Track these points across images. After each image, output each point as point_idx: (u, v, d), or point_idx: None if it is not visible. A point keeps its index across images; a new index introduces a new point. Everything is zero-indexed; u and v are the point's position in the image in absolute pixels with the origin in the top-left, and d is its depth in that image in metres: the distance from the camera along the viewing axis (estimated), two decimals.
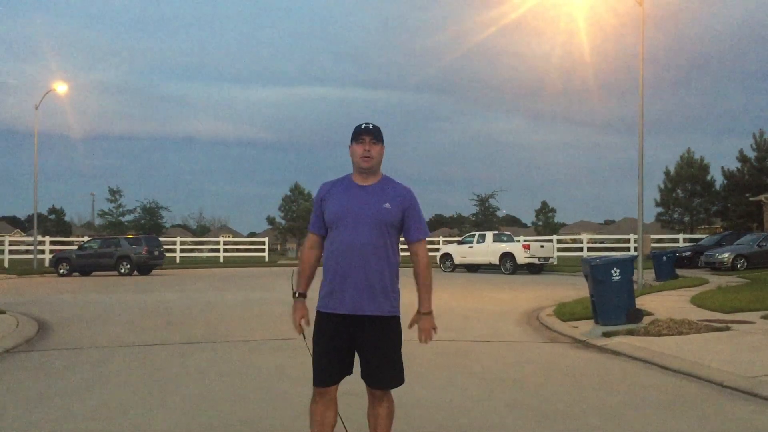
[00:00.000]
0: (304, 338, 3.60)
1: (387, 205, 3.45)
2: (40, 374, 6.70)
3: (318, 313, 3.51)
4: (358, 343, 3.43)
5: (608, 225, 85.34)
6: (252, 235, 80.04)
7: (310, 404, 3.50)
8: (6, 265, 32.55)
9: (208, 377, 6.47)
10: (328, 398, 3.44)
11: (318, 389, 3.43)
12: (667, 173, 46.01)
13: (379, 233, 3.42)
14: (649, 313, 10.25)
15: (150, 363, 7.27)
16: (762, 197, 33.60)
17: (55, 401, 5.51)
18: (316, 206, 3.63)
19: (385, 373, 3.44)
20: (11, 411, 5.17)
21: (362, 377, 3.45)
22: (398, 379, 3.49)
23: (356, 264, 3.38)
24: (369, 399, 3.51)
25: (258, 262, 37.57)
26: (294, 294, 3.58)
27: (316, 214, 3.61)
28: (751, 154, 40.26)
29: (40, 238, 35.05)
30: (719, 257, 24.10)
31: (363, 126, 3.49)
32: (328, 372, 3.41)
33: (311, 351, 3.48)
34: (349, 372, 3.47)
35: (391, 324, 3.50)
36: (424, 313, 3.65)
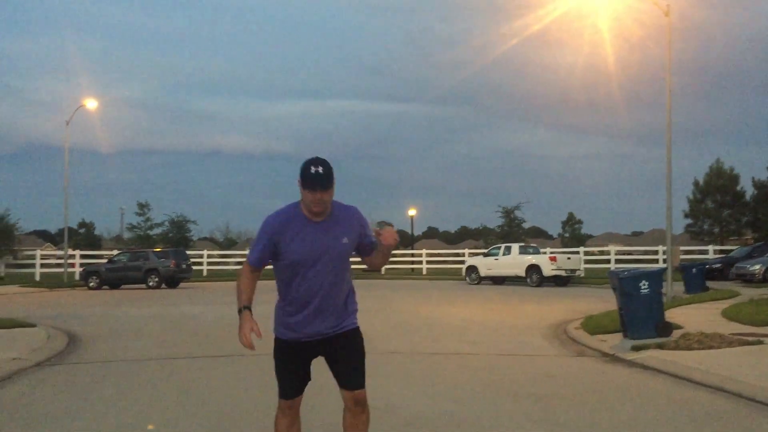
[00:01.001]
0: (253, 349, 3.57)
1: (345, 240, 3.45)
2: (69, 388, 6.78)
3: (279, 339, 3.65)
4: (329, 357, 3.58)
5: (636, 236, 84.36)
6: None
7: (275, 418, 3.65)
8: (37, 278, 33.11)
9: (235, 390, 6.50)
10: (294, 410, 3.63)
11: (285, 402, 3.61)
12: (696, 184, 45.45)
13: (342, 267, 3.49)
14: (679, 327, 10.09)
15: (177, 377, 7.33)
16: None
17: (83, 416, 5.57)
18: (264, 241, 3.48)
19: (361, 374, 3.55)
20: (41, 426, 5.24)
21: (343, 385, 3.54)
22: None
23: (324, 300, 3.47)
24: (350, 411, 3.55)
25: None
26: (239, 310, 3.57)
27: (264, 249, 3.49)
28: None
29: (70, 251, 35.62)
30: (750, 269, 23.66)
31: (313, 171, 3.28)
32: (294, 386, 3.62)
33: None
34: (310, 379, 3.69)
35: (357, 331, 3.62)
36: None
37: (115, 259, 28.87)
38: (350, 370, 3.51)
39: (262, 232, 3.48)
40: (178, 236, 54.54)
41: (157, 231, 54.10)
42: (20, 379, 7.22)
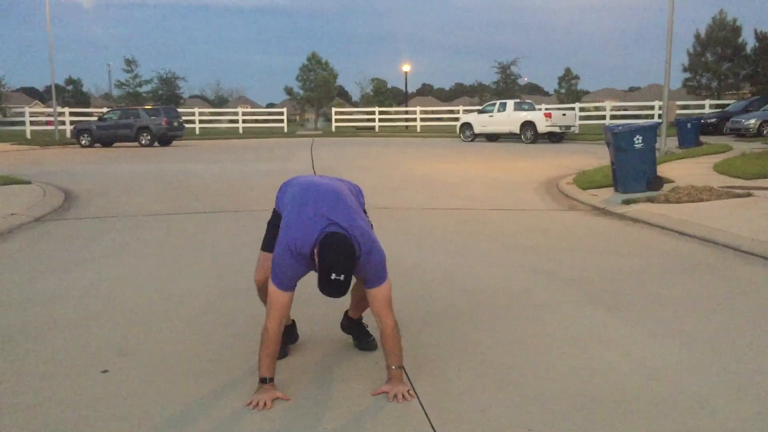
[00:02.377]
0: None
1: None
2: (70, 242, 6.90)
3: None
4: None
5: (633, 92, 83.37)
6: (270, 105, 79.45)
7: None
8: (28, 136, 32.84)
9: (234, 244, 6.65)
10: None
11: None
12: (697, 36, 44.38)
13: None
14: (671, 181, 10.21)
15: (177, 230, 7.46)
16: None
17: (87, 266, 5.71)
18: (289, 260, 3.08)
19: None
20: (45, 275, 5.38)
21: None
22: None
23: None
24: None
25: (277, 133, 37.52)
26: (263, 380, 3.07)
27: (290, 271, 3.10)
28: None
29: (59, 109, 35.08)
30: (745, 123, 23.59)
31: (333, 278, 2.85)
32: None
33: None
34: None
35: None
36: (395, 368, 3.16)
37: (106, 116, 28.48)
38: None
39: (290, 250, 3.06)
40: (168, 93, 53.74)
41: (146, 88, 53.24)
42: (20, 233, 7.32)
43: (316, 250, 2.96)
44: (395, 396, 3.04)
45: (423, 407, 2.95)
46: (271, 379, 3.07)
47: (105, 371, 3.39)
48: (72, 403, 3.01)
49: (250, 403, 2.98)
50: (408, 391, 3.07)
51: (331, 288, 2.88)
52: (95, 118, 30.06)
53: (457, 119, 31.24)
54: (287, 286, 3.11)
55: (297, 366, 3.47)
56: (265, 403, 2.96)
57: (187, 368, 3.42)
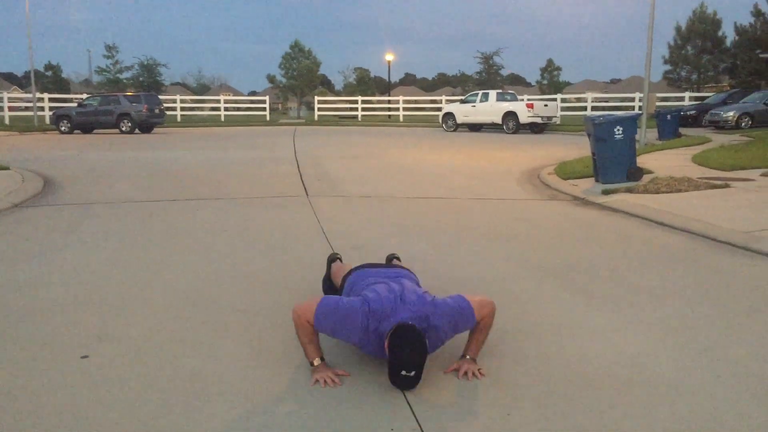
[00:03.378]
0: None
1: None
2: (52, 228, 6.84)
3: None
4: None
5: (614, 84, 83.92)
6: (252, 93, 78.94)
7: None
8: (6, 121, 32.41)
9: (214, 231, 6.63)
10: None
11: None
12: (678, 29, 44.71)
13: None
14: (650, 172, 10.32)
15: (158, 217, 7.42)
16: None
17: (67, 253, 5.68)
18: (333, 326, 3.09)
19: None
20: (24, 261, 5.34)
21: None
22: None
23: None
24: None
25: (259, 121, 37.33)
26: (311, 363, 3.13)
27: (330, 328, 3.10)
28: (766, 8, 38.80)
29: (38, 95, 34.64)
30: (724, 116, 23.85)
31: (403, 375, 2.85)
32: None
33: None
34: None
35: None
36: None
37: (86, 102, 28.18)
38: None
39: (354, 319, 3.05)
40: (149, 80, 53.22)
41: (127, 75, 52.70)
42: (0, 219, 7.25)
43: (386, 342, 2.92)
44: (465, 373, 3.10)
45: (404, 393, 2.98)
46: (322, 359, 3.12)
47: (85, 357, 3.38)
48: (51, 389, 3.01)
49: (316, 382, 3.02)
50: (479, 369, 3.13)
51: (402, 384, 2.91)
52: (75, 105, 29.73)
53: (439, 109, 31.29)
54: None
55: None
56: (332, 380, 3.01)
57: (168, 354, 3.43)
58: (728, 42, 43.22)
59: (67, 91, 55.20)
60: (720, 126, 23.63)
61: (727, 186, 8.88)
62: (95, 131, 26.98)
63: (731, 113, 23.75)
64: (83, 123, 26.76)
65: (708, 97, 31.72)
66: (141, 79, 53.60)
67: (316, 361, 3.12)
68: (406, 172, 12.08)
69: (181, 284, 4.72)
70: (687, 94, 35.19)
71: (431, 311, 3.08)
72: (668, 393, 2.97)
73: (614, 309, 4.17)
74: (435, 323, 3.06)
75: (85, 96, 34.53)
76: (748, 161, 11.45)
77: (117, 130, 26.47)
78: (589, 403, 2.87)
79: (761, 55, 34.53)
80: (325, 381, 3.02)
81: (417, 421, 2.72)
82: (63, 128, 26.54)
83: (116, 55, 51.06)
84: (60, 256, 5.59)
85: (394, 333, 2.87)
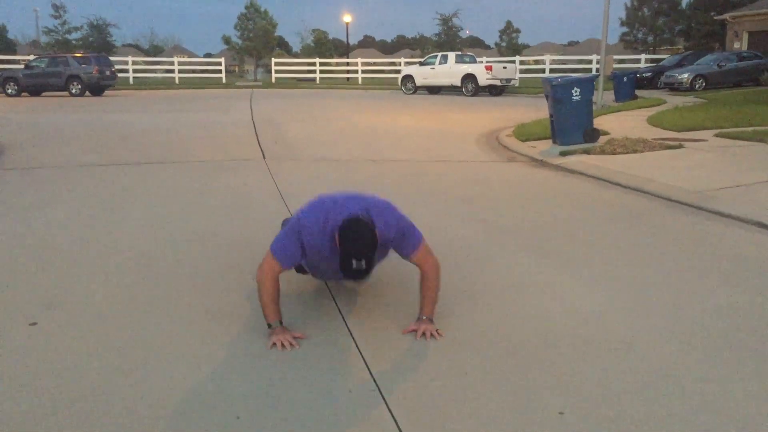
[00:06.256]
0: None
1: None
2: None
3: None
4: None
5: (572, 46, 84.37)
6: (208, 55, 77.23)
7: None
8: None
9: (168, 195, 6.49)
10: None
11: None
12: None
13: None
14: (606, 133, 10.41)
15: (108, 181, 7.23)
16: (727, 16, 33.16)
17: (13, 217, 5.49)
18: (297, 245, 3.08)
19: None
20: None
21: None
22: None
23: None
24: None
25: (215, 84, 36.58)
26: (269, 326, 3.10)
27: (297, 252, 3.10)
28: None
29: None
30: (678, 78, 24.17)
31: (354, 266, 2.82)
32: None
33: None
34: None
35: None
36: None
37: (33, 64, 27.18)
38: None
39: (297, 237, 3.08)
40: (100, 41, 51.66)
41: (76, 36, 51.05)
42: None
43: (336, 236, 2.91)
44: (423, 333, 3.11)
45: (360, 351, 2.97)
46: (280, 322, 3.10)
47: (33, 324, 3.28)
48: None
49: (273, 345, 2.99)
50: (437, 330, 3.14)
51: (354, 275, 2.89)
52: (22, 66, 28.67)
53: (398, 71, 31.03)
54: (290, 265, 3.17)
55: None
56: (290, 343, 3.01)
57: (119, 320, 3.34)
58: (684, 4, 43.70)
59: (14, 53, 53.22)
60: (675, 88, 23.95)
61: (681, 147, 9.01)
62: (44, 93, 26.12)
63: (686, 75, 24.07)
64: (31, 85, 25.86)
65: (663, 59, 32.07)
66: (91, 39, 52.00)
67: (275, 323, 3.09)
68: (365, 134, 11.97)
69: (134, 248, 4.61)
70: (643, 56, 35.53)
71: (372, 206, 3.13)
72: (620, 349, 3.01)
73: (572, 269, 4.20)
74: (377, 220, 3.03)
75: (32, 57, 33.30)
76: (701, 122, 11.63)
77: (66, 93, 25.66)
78: (547, 362, 2.89)
79: (715, 18, 35.00)
80: (282, 344, 3.00)
81: (375, 382, 2.71)
82: (10, 91, 25.62)
83: (64, 15, 49.41)
84: (4, 221, 5.40)
85: (343, 224, 2.90)
